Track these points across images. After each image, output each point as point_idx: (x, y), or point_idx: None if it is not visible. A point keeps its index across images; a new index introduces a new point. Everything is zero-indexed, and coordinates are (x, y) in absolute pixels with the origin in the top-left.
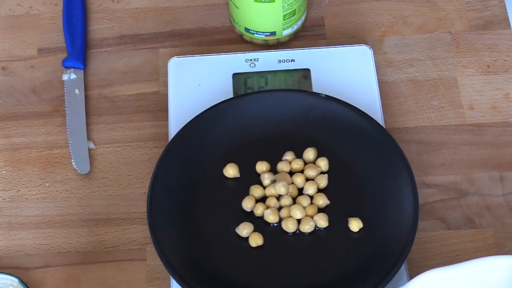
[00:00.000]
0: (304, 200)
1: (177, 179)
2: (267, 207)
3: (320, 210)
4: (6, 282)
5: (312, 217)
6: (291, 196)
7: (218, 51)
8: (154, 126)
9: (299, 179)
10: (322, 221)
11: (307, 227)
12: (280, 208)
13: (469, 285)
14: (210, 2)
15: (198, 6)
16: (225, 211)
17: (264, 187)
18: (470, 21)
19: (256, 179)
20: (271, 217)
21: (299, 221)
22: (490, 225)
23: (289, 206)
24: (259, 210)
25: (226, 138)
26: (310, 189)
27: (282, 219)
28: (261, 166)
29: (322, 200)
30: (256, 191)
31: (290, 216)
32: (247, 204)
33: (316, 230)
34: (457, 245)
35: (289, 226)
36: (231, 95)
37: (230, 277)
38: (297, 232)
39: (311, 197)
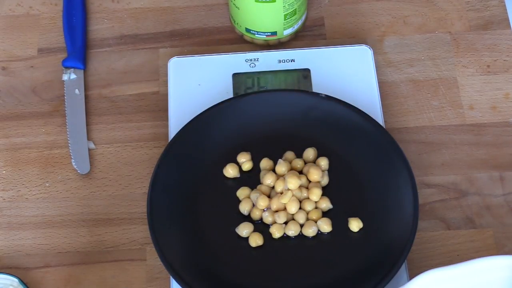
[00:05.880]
0: (308, 205)
1: (177, 179)
2: (264, 210)
3: (322, 212)
4: (6, 282)
5: (315, 221)
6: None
7: (218, 51)
8: (154, 126)
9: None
10: (325, 226)
11: (310, 231)
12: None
13: (469, 285)
14: (210, 2)
15: (198, 6)
16: (225, 211)
17: (266, 185)
18: (470, 21)
19: (256, 179)
20: (269, 219)
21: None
22: (490, 225)
23: (288, 203)
24: (256, 214)
25: (226, 138)
26: (315, 195)
27: (286, 223)
28: (265, 163)
29: (325, 204)
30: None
31: (293, 219)
32: (244, 207)
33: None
34: (457, 245)
35: (291, 232)
36: (231, 95)
37: (230, 277)
38: (299, 234)
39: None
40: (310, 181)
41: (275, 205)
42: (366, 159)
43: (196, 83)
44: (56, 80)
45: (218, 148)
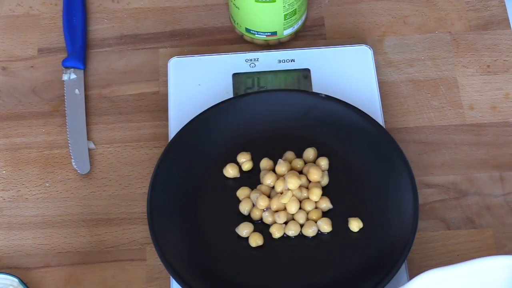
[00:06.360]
0: (308, 205)
1: (177, 179)
2: (264, 210)
3: (322, 212)
4: (6, 282)
5: (315, 221)
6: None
7: (218, 51)
8: (154, 126)
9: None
10: (325, 226)
11: (310, 231)
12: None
13: (469, 285)
14: (210, 2)
15: (198, 6)
16: (225, 211)
17: (265, 185)
18: (470, 21)
19: (256, 179)
20: (269, 219)
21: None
22: (490, 225)
23: (288, 203)
24: (256, 214)
25: (226, 138)
26: (315, 195)
27: (286, 223)
28: (265, 163)
29: (325, 204)
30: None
31: (293, 219)
32: (244, 207)
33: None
34: (457, 245)
35: (291, 232)
36: (231, 95)
37: (230, 277)
38: (299, 234)
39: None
40: (310, 181)
41: (275, 205)
42: (366, 159)
43: (196, 83)
44: (56, 80)
45: (218, 148)
